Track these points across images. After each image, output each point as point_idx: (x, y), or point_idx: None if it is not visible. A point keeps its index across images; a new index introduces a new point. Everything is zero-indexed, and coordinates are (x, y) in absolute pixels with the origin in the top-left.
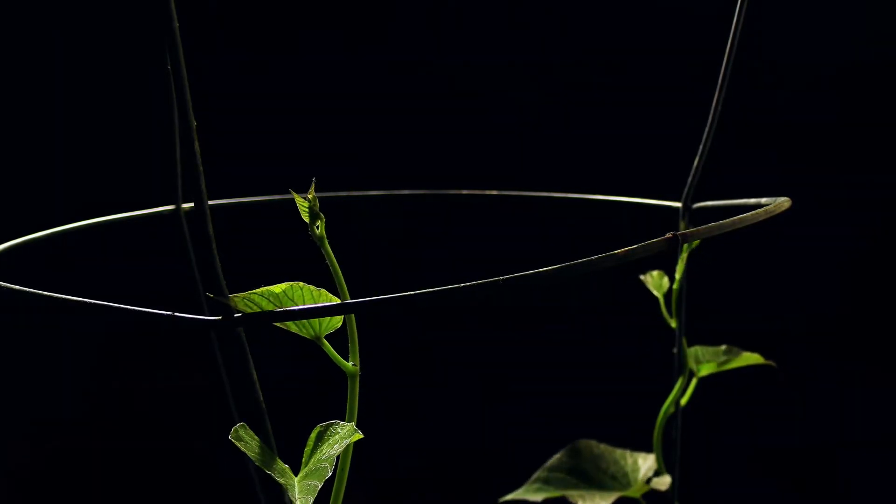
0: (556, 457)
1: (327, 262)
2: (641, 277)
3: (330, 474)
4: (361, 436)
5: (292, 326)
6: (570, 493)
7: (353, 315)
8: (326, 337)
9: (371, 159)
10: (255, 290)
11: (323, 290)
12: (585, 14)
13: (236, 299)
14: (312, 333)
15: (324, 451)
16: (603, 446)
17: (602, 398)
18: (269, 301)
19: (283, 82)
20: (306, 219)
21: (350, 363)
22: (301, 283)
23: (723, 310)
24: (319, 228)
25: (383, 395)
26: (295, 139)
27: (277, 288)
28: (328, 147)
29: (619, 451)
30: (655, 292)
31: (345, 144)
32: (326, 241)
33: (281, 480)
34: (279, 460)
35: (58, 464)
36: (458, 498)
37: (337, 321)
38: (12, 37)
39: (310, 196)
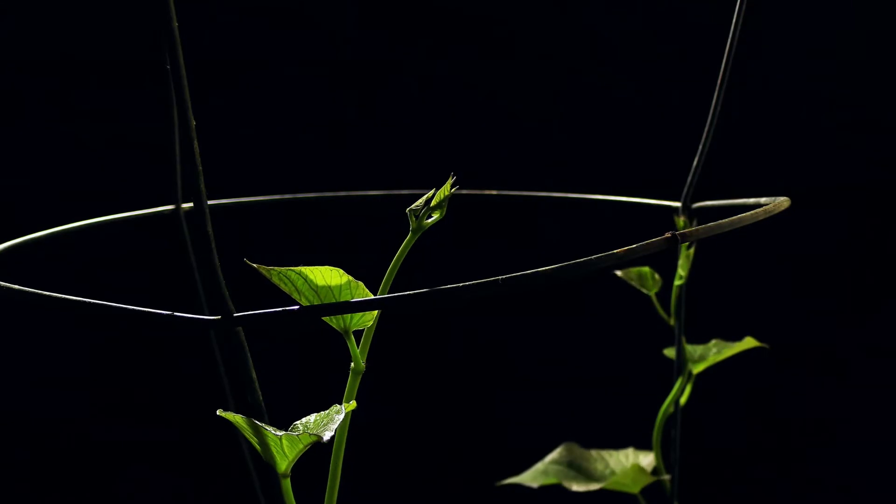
0: (556, 451)
1: (398, 254)
2: (619, 274)
3: (341, 408)
4: (355, 405)
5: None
6: (567, 482)
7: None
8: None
9: (371, 159)
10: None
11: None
12: (585, 14)
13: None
14: (342, 326)
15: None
16: (594, 451)
17: (601, 398)
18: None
19: (283, 82)
20: (436, 204)
21: (361, 361)
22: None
23: (719, 308)
24: (431, 219)
25: (381, 392)
26: (295, 139)
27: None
28: (328, 147)
29: (622, 451)
30: (643, 290)
31: (345, 144)
32: (416, 238)
33: (281, 433)
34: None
35: (57, 464)
36: (455, 494)
37: (367, 319)
38: (11, 35)
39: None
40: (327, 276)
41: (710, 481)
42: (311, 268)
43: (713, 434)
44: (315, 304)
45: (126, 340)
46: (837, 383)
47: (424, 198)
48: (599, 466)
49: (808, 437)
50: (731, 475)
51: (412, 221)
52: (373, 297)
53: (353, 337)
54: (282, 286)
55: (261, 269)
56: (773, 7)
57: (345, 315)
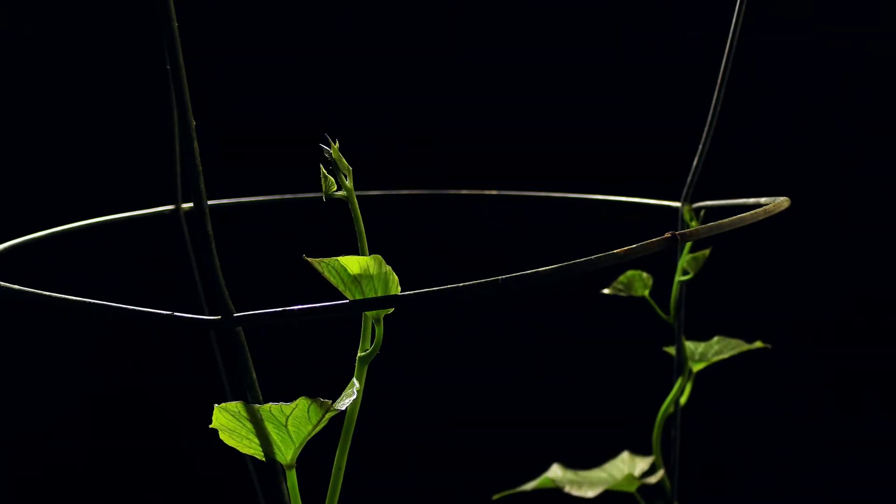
0: (550, 470)
1: (354, 220)
2: (606, 291)
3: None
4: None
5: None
6: (565, 486)
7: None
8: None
9: (371, 159)
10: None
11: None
12: (585, 13)
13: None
14: (375, 314)
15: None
16: (582, 473)
17: (601, 398)
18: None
19: (283, 82)
20: (325, 175)
21: (362, 351)
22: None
23: (719, 308)
24: (349, 179)
25: (381, 391)
26: (294, 139)
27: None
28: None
29: (618, 458)
30: (633, 295)
31: (345, 144)
32: (355, 197)
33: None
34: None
35: (57, 464)
36: (452, 495)
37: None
38: (12, 36)
39: (333, 148)
40: (363, 266)
41: (711, 481)
42: (348, 257)
43: (713, 434)
44: (357, 296)
45: (126, 340)
46: (838, 384)
47: (322, 177)
48: (599, 475)
49: (809, 438)
50: (731, 475)
51: (343, 196)
52: (381, 296)
53: (382, 322)
54: (331, 279)
55: (314, 263)
56: (773, 7)
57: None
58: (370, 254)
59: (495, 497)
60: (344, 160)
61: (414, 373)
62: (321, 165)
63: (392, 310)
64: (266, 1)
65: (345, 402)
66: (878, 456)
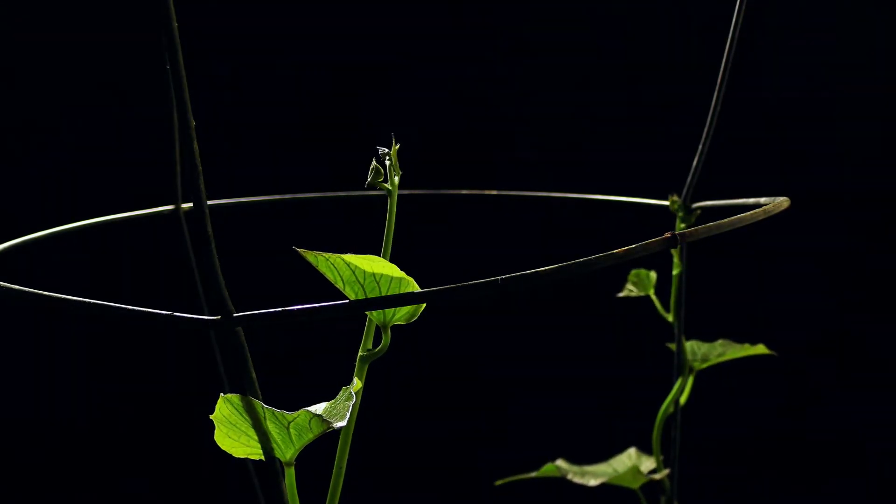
0: (557, 462)
1: (387, 218)
2: (621, 295)
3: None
4: (360, 385)
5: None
6: (566, 472)
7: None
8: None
9: (370, 159)
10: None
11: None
12: (585, 14)
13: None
14: (382, 320)
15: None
16: (587, 467)
17: (601, 397)
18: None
19: (283, 82)
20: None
21: (363, 351)
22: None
23: (720, 308)
24: (397, 178)
25: (378, 392)
26: (295, 139)
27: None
28: (328, 147)
29: (624, 453)
30: (643, 293)
31: (345, 144)
32: (396, 196)
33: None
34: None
35: (56, 463)
36: (452, 495)
37: (400, 315)
38: (12, 36)
39: (393, 149)
40: (376, 267)
41: (711, 481)
42: (360, 256)
43: (713, 434)
44: (359, 295)
45: (126, 340)
46: (839, 384)
47: (373, 168)
48: (604, 469)
49: (809, 438)
50: (731, 475)
51: (387, 190)
52: (381, 296)
53: (389, 331)
54: (327, 274)
55: (307, 255)
56: (773, 7)
57: (387, 311)
58: (367, 253)
59: (498, 483)
60: (397, 163)
61: (412, 370)
62: (374, 158)
63: (412, 319)
64: (265, 2)
65: (344, 419)
66: (878, 456)
